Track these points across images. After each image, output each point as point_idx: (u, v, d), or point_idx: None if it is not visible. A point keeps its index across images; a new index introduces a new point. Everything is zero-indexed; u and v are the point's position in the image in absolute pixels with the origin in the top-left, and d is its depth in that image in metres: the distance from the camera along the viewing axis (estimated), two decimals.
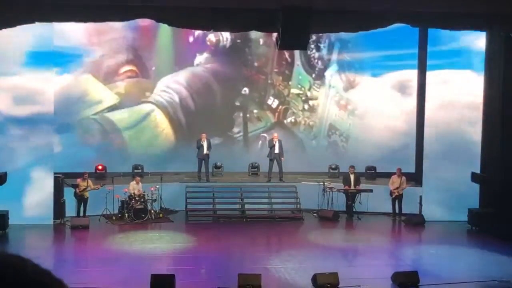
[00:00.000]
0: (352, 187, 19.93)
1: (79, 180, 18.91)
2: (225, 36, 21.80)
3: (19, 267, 1.37)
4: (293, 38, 14.30)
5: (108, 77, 21.13)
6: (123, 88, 21.39)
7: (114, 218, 18.84)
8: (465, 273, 14.53)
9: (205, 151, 20.58)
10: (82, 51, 20.67)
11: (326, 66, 22.45)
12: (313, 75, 22.54)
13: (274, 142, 20.81)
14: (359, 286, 12.80)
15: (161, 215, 19.29)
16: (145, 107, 21.72)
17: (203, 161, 20.77)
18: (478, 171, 18.90)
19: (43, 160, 18.05)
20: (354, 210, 19.86)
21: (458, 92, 19.36)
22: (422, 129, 20.34)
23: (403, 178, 19.90)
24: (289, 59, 22.40)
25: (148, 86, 21.63)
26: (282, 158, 20.83)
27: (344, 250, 17.28)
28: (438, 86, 19.51)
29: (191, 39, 21.73)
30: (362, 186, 20.12)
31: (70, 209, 18.79)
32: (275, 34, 15.85)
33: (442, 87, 19.44)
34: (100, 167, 20.70)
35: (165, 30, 20.76)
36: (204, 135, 20.78)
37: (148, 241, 17.58)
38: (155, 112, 21.81)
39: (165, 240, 17.76)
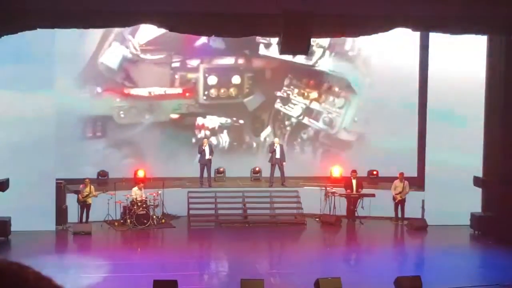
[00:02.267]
0: (354, 191, 19.91)
1: (81, 186, 18.92)
2: None
3: (20, 275, 1.36)
4: (294, 43, 14.30)
5: None
6: None
7: (116, 224, 18.82)
8: (468, 277, 14.50)
9: (207, 156, 20.59)
10: None
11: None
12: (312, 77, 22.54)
13: (274, 147, 20.83)
14: None
15: (163, 220, 19.26)
16: None
17: (205, 166, 20.77)
18: (480, 175, 18.87)
19: (45, 166, 18.04)
20: (356, 214, 19.82)
21: (460, 95, 19.34)
22: (424, 133, 20.31)
23: (406, 182, 19.88)
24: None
25: None
26: (283, 163, 20.83)
27: (346, 255, 17.28)
28: (439, 89, 19.49)
29: None
30: (364, 190, 20.08)
31: (72, 215, 18.78)
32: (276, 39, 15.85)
33: (444, 90, 19.40)
34: (102, 173, 20.72)
35: None
36: (205, 140, 20.81)
37: (151, 246, 17.57)
38: None
39: (167, 245, 17.77)
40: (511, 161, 17.74)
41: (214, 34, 16.41)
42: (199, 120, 22.18)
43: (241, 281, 12.61)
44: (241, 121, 22.42)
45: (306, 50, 14.87)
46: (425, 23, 15.59)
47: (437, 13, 14.84)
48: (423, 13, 14.94)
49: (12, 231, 17.43)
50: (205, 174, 20.84)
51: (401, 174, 19.89)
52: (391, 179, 20.29)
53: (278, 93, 22.35)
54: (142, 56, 21.35)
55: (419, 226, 19.24)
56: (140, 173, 20.60)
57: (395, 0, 14.68)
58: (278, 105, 22.42)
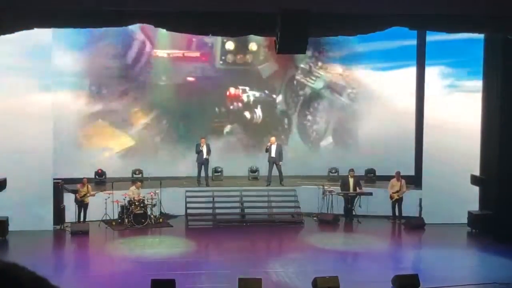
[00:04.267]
0: (351, 190, 19.91)
1: (79, 186, 18.90)
2: None
3: (15, 275, 1.36)
4: (292, 42, 14.28)
5: None
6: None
7: (114, 223, 18.81)
8: (465, 276, 14.53)
9: (204, 155, 20.60)
10: None
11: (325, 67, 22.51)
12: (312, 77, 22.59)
13: (267, 146, 20.84)
14: None
15: (161, 220, 19.26)
16: None
17: (202, 166, 20.78)
18: (477, 173, 18.89)
19: (43, 166, 18.03)
20: (354, 213, 19.83)
21: (457, 94, 19.35)
22: (421, 131, 20.32)
23: (403, 181, 19.89)
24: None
25: None
26: (280, 163, 20.81)
27: (344, 254, 17.26)
28: (437, 88, 19.50)
29: None
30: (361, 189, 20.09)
31: (70, 215, 18.77)
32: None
33: (441, 89, 19.42)
34: (99, 172, 20.72)
35: None
36: (203, 140, 20.81)
37: (148, 246, 17.56)
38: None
39: (165, 245, 17.76)
40: (508, 159, 17.76)
41: (211, 34, 16.38)
42: (232, 91, 22.48)
43: (239, 280, 12.61)
44: (274, 96, 22.64)
45: (303, 49, 14.85)
46: (422, 22, 15.57)
47: (434, 11, 14.83)
48: (420, 12, 14.93)
49: (9, 231, 17.41)
50: (203, 174, 20.86)
51: (398, 173, 19.90)
52: (388, 178, 20.32)
53: (301, 65, 22.50)
54: None
55: (416, 225, 19.26)
56: (137, 173, 20.62)
57: None
58: (299, 76, 22.62)
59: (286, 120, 22.93)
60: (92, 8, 14.23)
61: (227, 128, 22.59)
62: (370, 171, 21.62)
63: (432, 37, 19.16)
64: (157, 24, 15.46)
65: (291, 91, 22.77)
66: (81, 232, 17.87)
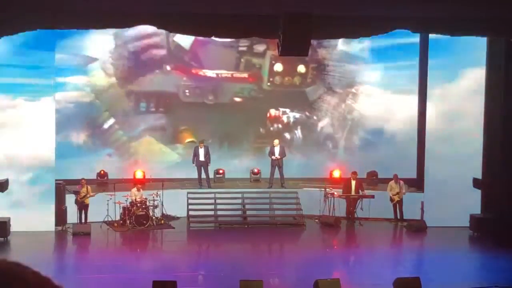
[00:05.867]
0: (353, 193, 19.90)
1: (78, 187, 18.90)
2: None
3: (19, 275, 1.37)
4: (294, 45, 14.29)
5: None
6: None
7: (115, 224, 18.81)
8: (467, 279, 14.50)
9: (201, 158, 20.60)
10: None
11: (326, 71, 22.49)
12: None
13: (272, 150, 20.83)
14: None
15: (162, 221, 19.26)
16: None
17: (201, 168, 20.78)
18: (479, 176, 18.87)
19: (45, 167, 18.05)
20: (356, 216, 19.82)
21: (459, 97, 19.33)
22: (423, 134, 20.31)
23: (401, 183, 19.88)
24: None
25: None
26: (282, 167, 20.79)
27: (345, 256, 17.27)
28: (439, 91, 19.49)
29: None
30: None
31: (72, 216, 18.77)
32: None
33: (444, 92, 19.41)
34: (101, 173, 20.74)
35: None
36: (201, 143, 20.83)
37: (150, 247, 17.57)
38: None
39: (167, 246, 17.76)
40: (510, 163, 17.75)
41: (214, 35, 16.39)
42: (272, 112, 22.51)
43: (240, 282, 12.60)
44: (315, 118, 22.59)
45: (306, 51, 14.86)
46: (425, 25, 15.58)
47: (437, 14, 14.83)
48: (423, 14, 14.93)
49: (11, 232, 17.43)
50: (203, 175, 20.85)
51: (396, 175, 19.89)
52: (390, 181, 20.29)
53: (353, 90, 22.38)
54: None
55: (418, 228, 19.24)
56: (139, 174, 20.63)
57: (394, 1, 14.67)
58: (349, 100, 22.46)
59: (330, 144, 22.76)
60: (94, 9, 14.26)
61: (267, 149, 21.90)
62: (372, 174, 21.60)
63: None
64: (160, 26, 15.48)
65: (338, 114, 22.58)
66: (82, 233, 17.86)
